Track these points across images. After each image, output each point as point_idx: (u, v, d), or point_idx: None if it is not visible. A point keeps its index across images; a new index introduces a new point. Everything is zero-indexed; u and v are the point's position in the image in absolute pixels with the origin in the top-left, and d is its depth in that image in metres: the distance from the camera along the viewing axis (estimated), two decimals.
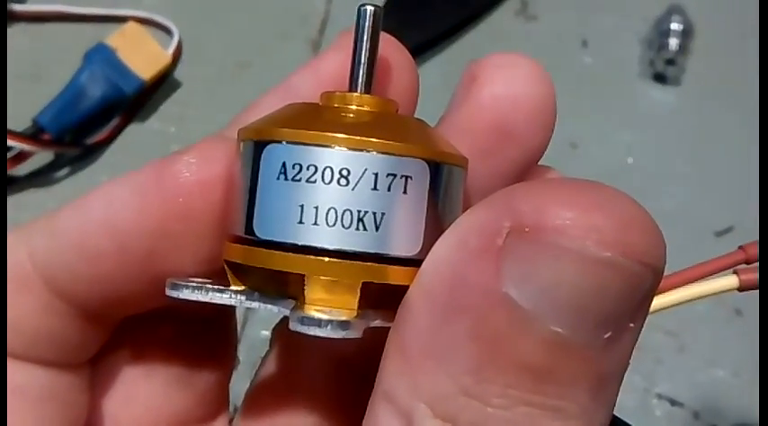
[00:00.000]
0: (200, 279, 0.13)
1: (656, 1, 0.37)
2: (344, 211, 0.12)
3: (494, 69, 0.14)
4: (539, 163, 0.15)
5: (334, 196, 0.12)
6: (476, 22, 0.38)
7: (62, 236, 0.14)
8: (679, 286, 0.14)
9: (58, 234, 0.14)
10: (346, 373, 0.17)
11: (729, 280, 0.14)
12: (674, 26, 0.36)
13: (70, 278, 0.14)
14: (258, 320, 0.29)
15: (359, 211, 0.12)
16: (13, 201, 0.33)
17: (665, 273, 0.14)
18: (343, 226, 0.12)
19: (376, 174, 0.12)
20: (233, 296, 0.13)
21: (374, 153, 0.12)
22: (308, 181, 0.12)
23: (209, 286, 0.13)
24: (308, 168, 0.12)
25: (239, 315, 0.18)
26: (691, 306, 0.31)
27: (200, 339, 0.17)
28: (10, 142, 0.32)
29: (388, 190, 0.12)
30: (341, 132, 0.12)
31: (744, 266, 0.14)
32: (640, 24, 0.37)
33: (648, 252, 0.11)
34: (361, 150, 0.12)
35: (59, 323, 0.14)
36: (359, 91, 0.13)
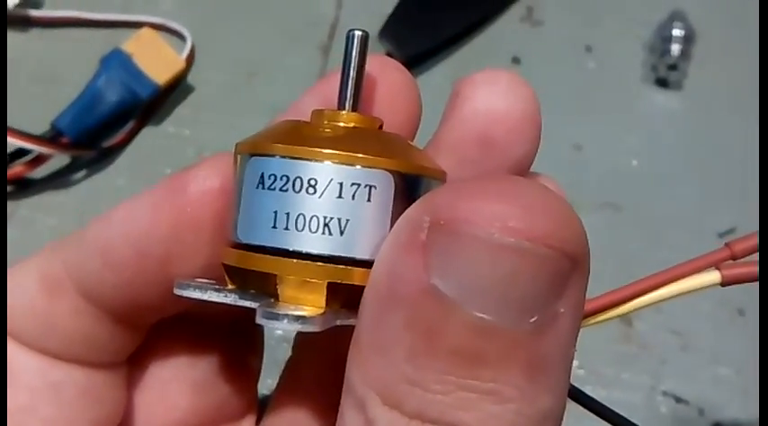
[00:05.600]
0: (204, 280, 0.15)
1: (658, 7, 0.38)
2: (312, 217, 0.13)
3: (475, 85, 0.15)
4: (540, 172, 0.16)
5: (303, 203, 0.13)
6: (482, 27, 0.38)
7: (89, 247, 0.15)
8: (664, 284, 0.15)
9: (86, 245, 0.15)
10: None
11: (711, 276, 0.14)
12: (676, 32, 0.36)
13: (98, 284, 0.15)
14: None
15: (325, 217, 0.13)
16: (32, 203, 0.34)
17: (653, 272, 0.14)
18: (310, 230, 0.13)
19: (341, 184, 0.13)
20: (227, 295, 0.14)
21: (340, 164, 0.13)
22: (281, 189, 0.13)
23: (210, 286, 0.14)
24: (281, 178, 0.13)
25: None
26: (694, 307, 0.31)
27: (227, 342, 0.18)
28: (28, 145, 0.32)
29: (353, 198, 0.13)
30: (314, 146, 0.13)
31: (728, 262, 0.15)
32: (643, 30, 0.38)
33: (556, 235, 0.11)
34: (327, 162, 0.13)
35: (91, 325, 0.16)
36: (346, 109, 0.14)
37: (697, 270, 0.14)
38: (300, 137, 0.14)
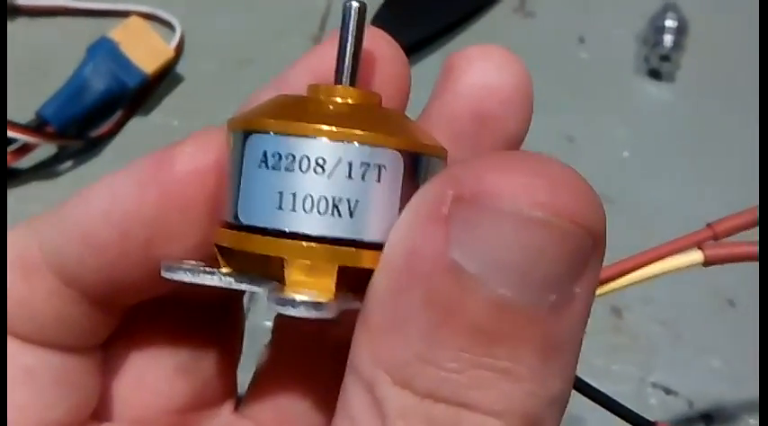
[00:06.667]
0: (193, 262, 0.14)
1: None
2: (320, 198, 0.12)
3: (469, 60, 0.14)
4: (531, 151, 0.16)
5: (310, 184, 0.12)
6: (474, 18, 0.38)
7: (68, 227, 0.14)
8: (648, 263, 0.15)
9: (64, 225, 0.14)
10: (346, 359, 0.17)
11: (694, 256, 0.14)
12: (669, 23, 0.36)
13: (77, 266, 0.15)
14: (261, 309, 0.30)
15: (334, 198, 0.12)
16: (17, 193, 0.33)
17: (634, 253, 0.14)
18: (318, 212, 0.12)
19: (350, 163, 0.12)
20: (222, 278, 0.13)
21: (349, 143, 0.12)
22: (286, 169, 0.13)
23: (201, 268, 0.13)
24: (286, 157, 0.13)
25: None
26: (684, 298, 0.31)
27: (208, 326, 0.17)
28: (13, 134, 0.32)
29: (363, 178, 0.12)
30: (318, 123, 0.13)
31: (711, 242, 0.15)
32: (636, 21, 0.38)
33: (581, 212, 0.11)
34: (337, 140, 0.12)
35: (67, 308, 0.15)
36: (344, 83, 0.14)
37: (680, 250, 0.14)
38: (304, 113, 0.13)
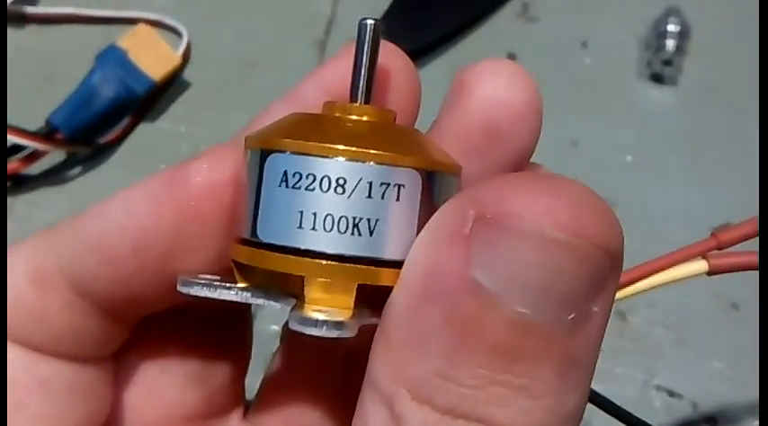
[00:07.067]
0: (209, 276, 0.14)
1: (653, 3, 0.38)
2: (341, 218, 0.13)
3: (481, 75, 0.15)
4: (532, 160, 0.16)
5: (331, 203, 0.13)
6: (478, 24, 0.38)
7: (84, 240, 0.15)
8: (652, 273, 0.15)
9: (80, 238, 0.15)
10: (355, 367, 0.18)
11: (698, 265, 0.15)
12: (671, 28, 0.37)
13: (92, 279, 0.15)
14: (267, 314, 0.30)
15: (354, 218, 0.13)
16: (27, 199, 0.34)
17: (638, 256, 0.14)
18: (339, 231, 0.13)
19: (370, 183, 0.13)
20: (239, 292, 0.14)
21: (369, 163, 0.13)
22: (307, 189, 0.13)
23: (218, 283, 0.14)
24: (307, 177, 0.13)
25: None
26: (688, 301, 0.32)
27: (217, 336, 0.18)
28: (24, 141, 0.32)
29: (382, 198, 0.13)
30: (339, 143, 0.13)
31: (715, 252, 0.15)
32: (638, 26, 0.38)
33: (601, 233, 0.12)
34: (357, 160, 0.13)
35: (82, 320, 0.15)
36: (359, 101, 0.14)
37: (684, 260, 0.14)
38: (324, 132, 0.13)
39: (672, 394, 0.30)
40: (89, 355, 0.16)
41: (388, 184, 0.13)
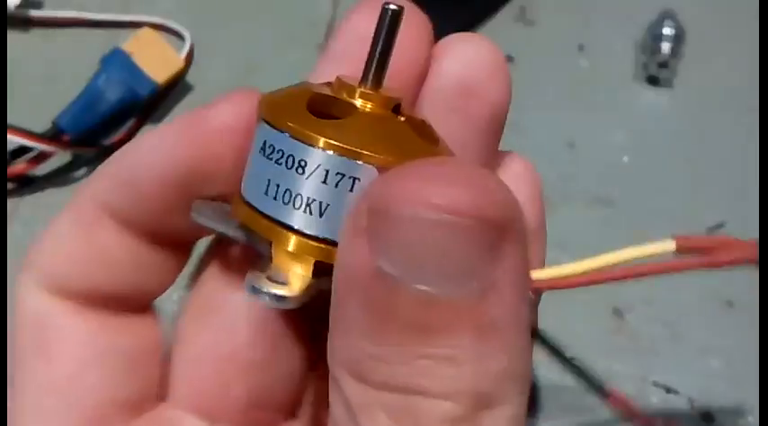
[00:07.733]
0: (221, 204, 0.15)
1: (649, 6, 0.39)
2: (297, 195, 0.14)
3: (452, 44, 0.16)
4: (526, 159, 0.17)
5: (291, 180, 0.14)
6: (476, 27, 0.39)
7: (117, 173, 0.16)
8: (647, 272, 0.15)
9: (112, 171, 0.16)
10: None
11: (666, 244, 0.15)
12: (667, 31, 0.37)
13: (128, 209, 0.16)
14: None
15: (308, 198, 0.14)
16: (33, 200, 0.34)
17: (642, 266, 0.15)
18: (294, 206, 0.14)
19: (327, 171, 0.13)
20: (236, 231, 0.15)
21: (330, 153, 0.13)
22: (276, 162, 0.14)
23: (223, 215, 0.15)
24: (277, 151, 0.14)
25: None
26: (684, 299, 0.32)
27: (131, 329, 0.17)
28: (31, 143, 0.33)
29: (336, 186, 0.13)
30: (312, 129, 0.14)
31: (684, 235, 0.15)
32: (634, 29, 0.39)
33: (475, 205, 0.12)
34: (320, 148, 0.13)
35: (136, 247, 0.16)
36: (368, 84, 0.14)
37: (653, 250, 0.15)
38: (305, 115, 0.14)
39: (669, 390, 0.31)
40: (151, 288, 0.16)
41: (344, 175, 0.13)
